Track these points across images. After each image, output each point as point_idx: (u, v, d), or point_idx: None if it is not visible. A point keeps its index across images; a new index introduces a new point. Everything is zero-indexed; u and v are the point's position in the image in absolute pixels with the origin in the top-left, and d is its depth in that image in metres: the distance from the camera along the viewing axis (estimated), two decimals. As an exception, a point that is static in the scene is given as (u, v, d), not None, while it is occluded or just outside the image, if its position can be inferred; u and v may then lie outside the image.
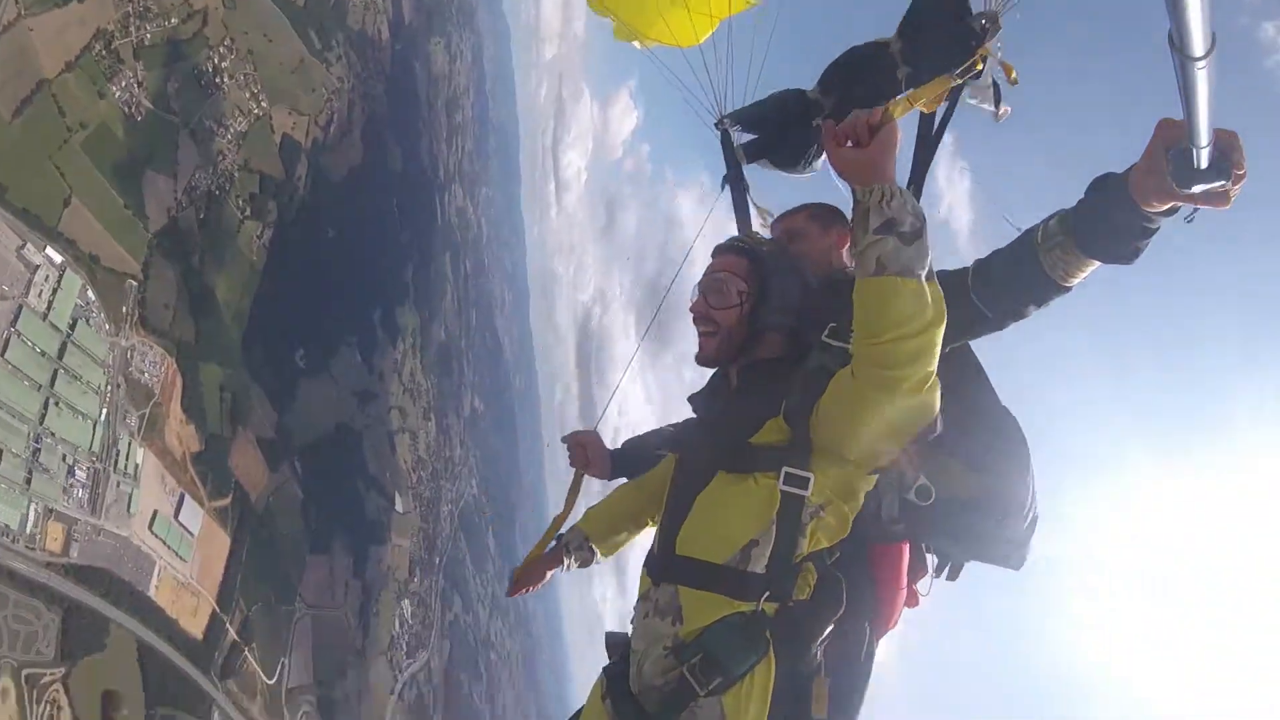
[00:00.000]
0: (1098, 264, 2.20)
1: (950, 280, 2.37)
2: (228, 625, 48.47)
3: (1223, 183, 1.76)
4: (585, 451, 3.78)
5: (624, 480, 3.74)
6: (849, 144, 2.12)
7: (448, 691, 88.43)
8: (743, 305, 2.60)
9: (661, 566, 2.54)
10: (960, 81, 2.88)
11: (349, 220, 72.16)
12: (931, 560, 2.83)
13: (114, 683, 37.41)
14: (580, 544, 3.49)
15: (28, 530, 33.48)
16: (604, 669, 2.74)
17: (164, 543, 42.96)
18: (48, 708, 32.40)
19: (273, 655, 53.71)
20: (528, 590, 3.65)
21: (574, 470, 3.82)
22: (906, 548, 2.61)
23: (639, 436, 3.98)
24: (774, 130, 3.80)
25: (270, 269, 57.17)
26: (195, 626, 45.58)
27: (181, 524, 44.83)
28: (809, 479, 2.27)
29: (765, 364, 2.64)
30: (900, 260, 1.96)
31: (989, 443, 2.59)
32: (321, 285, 66.05)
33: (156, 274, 44.14)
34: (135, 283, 42.42)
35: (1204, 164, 1.73)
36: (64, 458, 36.45)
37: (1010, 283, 2.35)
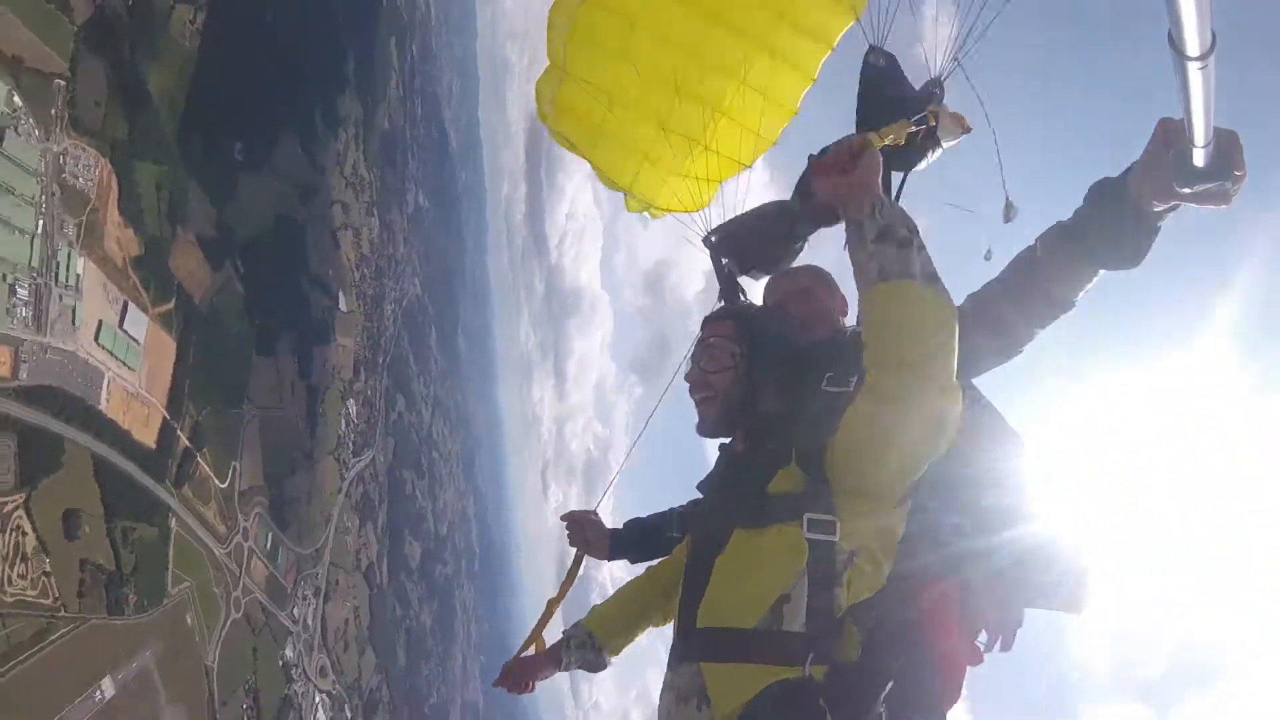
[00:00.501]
0: (1100, 274, 2.17)
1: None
2: (179, 432, 48.58)
3: (1223, 182, 1.77)
4: (584, 531, 3.66)
5: (624, 561, 3.69)
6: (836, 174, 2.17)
7: (391, 488, 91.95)
8: (737, 366, 2.52)
9: (682, 648, 2.31)
10: (915, 129, 2.96)
11: (286, 2, 66.53)
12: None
13: (73, 501, 37.69)
14: (584, 642, 3.27)
15: (-26, 356, 32.00)
16: None
17: (111, 354, 42.04)
18: (13, 535, 32.55)
19: (224, 459, 54.36)
20: (520, 691, 3.40)
21: (574, 551, 3.71)
22: (955, 590, 2.33)
23: (641, 518, 3.79)
24: (759, 241, 3.75)
25: (204, 57, 52.89)
26: (148, 436, 45.53)
27: (127, 332, 43.69)
28: (835, 523, 2.12)
29: (769, 419, 2.50)
30: (900, 264, 1.94)
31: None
32: (259, 73, 61.27)
33: (85, 70, 40.54)
34: (63, 82, 39.03)
35: (1204, 163, 1.73)
36: (3, 277, 34.47)
37: (1012, 308, 2.31)
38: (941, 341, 1.95)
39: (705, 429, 2.61)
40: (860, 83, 3.30)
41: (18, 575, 32.65)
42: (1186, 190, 1.83)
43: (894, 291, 1.94)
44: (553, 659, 3.30)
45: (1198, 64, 1.33)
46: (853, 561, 2.14)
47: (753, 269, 3.84)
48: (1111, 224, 2.03)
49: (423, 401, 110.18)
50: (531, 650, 3.42)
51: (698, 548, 2.46)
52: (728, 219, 3.84)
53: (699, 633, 2.24)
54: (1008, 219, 2.65)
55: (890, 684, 2.02)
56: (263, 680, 56.16)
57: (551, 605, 3.58)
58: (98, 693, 36.73)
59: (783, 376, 2.53)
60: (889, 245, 1.97)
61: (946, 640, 2.27)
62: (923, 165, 3.14)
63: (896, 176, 3.16)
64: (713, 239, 3.86)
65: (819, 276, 3.25)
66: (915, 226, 2.01)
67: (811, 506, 2.14)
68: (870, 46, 3.33)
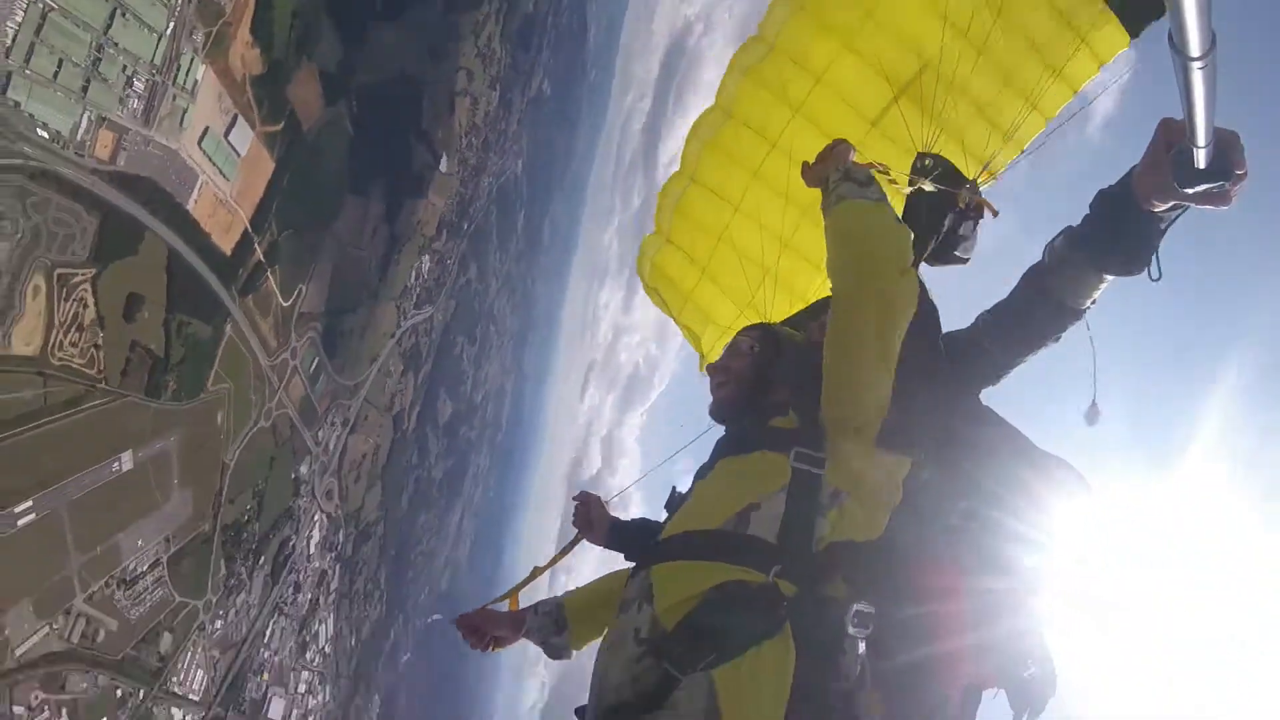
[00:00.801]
0: (1109, 280, 2.21)
1: (958, 337, 2.61)
2: (256, 245, 50.56)
3: (1223, 182, 1.77)
4: (589, 511, 3.40)
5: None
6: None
7: (442, 347, 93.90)
8: (754, 357, 2.67)
9: (638, 568, 2.25)
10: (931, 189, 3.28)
11: None
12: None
13: (140, 287, 39.79)
14: (550, 611, 3.08)
15: (78, 137, 33.99)
16: (575, 710, 2.29)
17: (210, 159, 43.71)
18: (74, 305, 34.77)
19: (292, 281, 56.30)
20: (480, 646, 3.20)
21: (575, 530, 3.52)
22: (958, 574, 2.28)
23: (648, 519, 3.44)
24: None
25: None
26: (226, 243, 47.53)
27: (230, 144, 45.40)
28: (823, 459, 2.15)
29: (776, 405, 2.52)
30: (857, 192, 2.40)
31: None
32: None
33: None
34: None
35: (1205, 164, 1.74)
36: (124, 68, 36.08)
37: (1024, 318, 2.38)
38: (893, 234, 2.34)
39: (717, 410, 2.68)
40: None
41: (69, 343, 34.79)
42: (1188, 191, 1.83)
43: (852, 206, 2.39)
44: (517, 620, 3.12)
45: (1198, 64, 1.34)
46: (840, 500, 2.11)
47: None
48: (1114, 227, 2.05)
49: (494, 275, 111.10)
50: (505, 607, 3.29)
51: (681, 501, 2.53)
52: None
53: (660, 545, 2.22)
54: (1091, 423, 2.52)
55: (871, 626, 1.94)
56: (272, 488, 58.85)
57: (536, 571, 3.48)
58: (116, 464, 39.08)
59: (797, 373, 2.55)
60: (848, 183, 2.45)
61: (942, 591, 2.19)
62: (963, 252, 3.30)
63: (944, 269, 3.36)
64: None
65: (810, 313, 3.37)
66: (871, 178, 2.48)
67: (800, 441, 2.20)
68: (919, 154, 3.61)
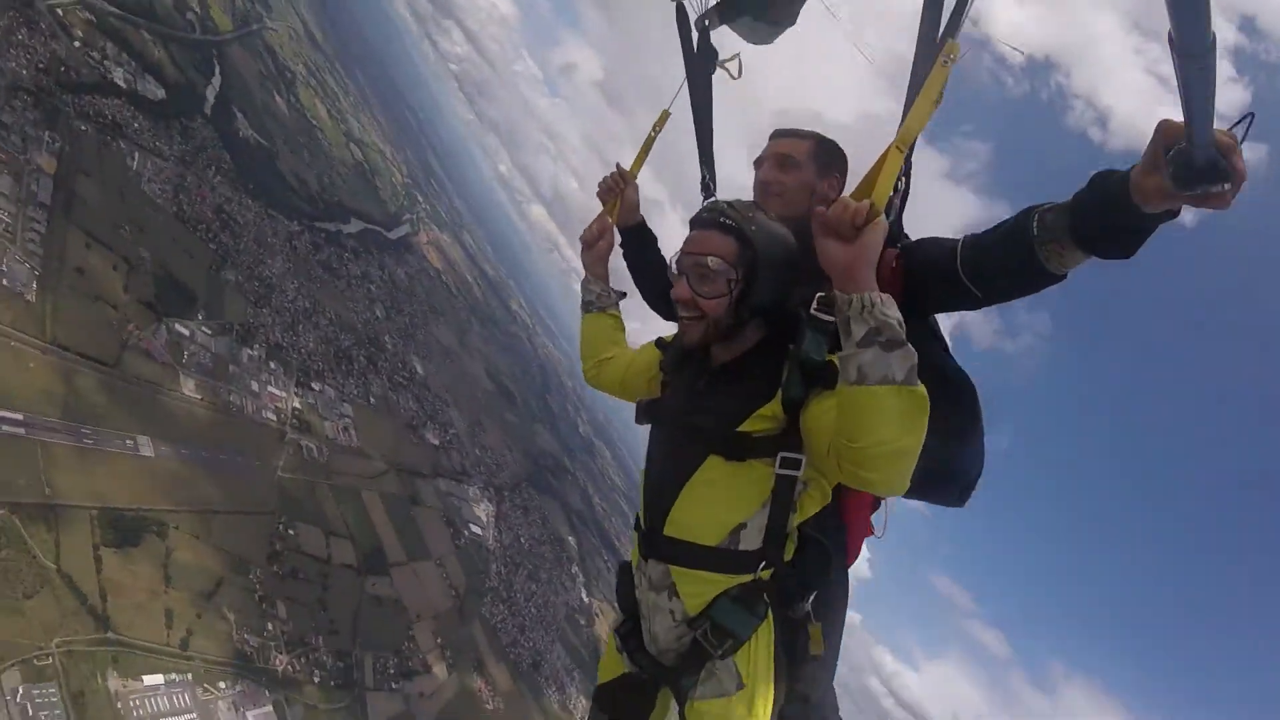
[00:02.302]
0: (1093, 256, 2.22)
1: (939, 254, 2.55)
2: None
3: (1222, 184, 1.73)
4: (622, 188, 3.77)
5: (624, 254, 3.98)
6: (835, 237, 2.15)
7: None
8: (731, 293, 2.53)
9: (649, 545, 2.73)
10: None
11: None
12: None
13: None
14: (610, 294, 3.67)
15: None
16: (614, 629, 3.09)
17: None
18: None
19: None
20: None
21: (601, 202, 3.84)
22: (870, 495, 2.88)
23: (656, 243, 4.00)
24: None
25: None
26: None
27: None
28: (801, 460, 2.42)
29: (751, 351, 2.64)
30: (880, 369, 2.00)
31: (948, 410, 2.62)
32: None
33: None
34: None
35: (1203, 165, 1.70)
36: None
37: (1003, 270, 2.37)
38: (904, 448, 2.05)
39: (689, 345, 2.70)
40: None
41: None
42: (1186, 192, 1.79)
43: (870, 398, 2.01)
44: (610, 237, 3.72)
45: (1197, 63, 1.34)
46: (805, 489, 2.50)
47: (745, 14, 3.87)
48: (1108, 222, 2.04)
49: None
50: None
51: (665, 453, 2.75)
52: None
53: (666, 539, 2.64)
54: None
55: (813, 588, 2.69)
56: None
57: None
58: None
59: (772, 307, 2.57)
60: (872, 348, 2.01)
61: (857, 517, 2.94)
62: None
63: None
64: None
65: (817, 153, 3.28)
66: (901, 325, 2.03)
67: (786, 445, 2.42)
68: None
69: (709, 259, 2.53)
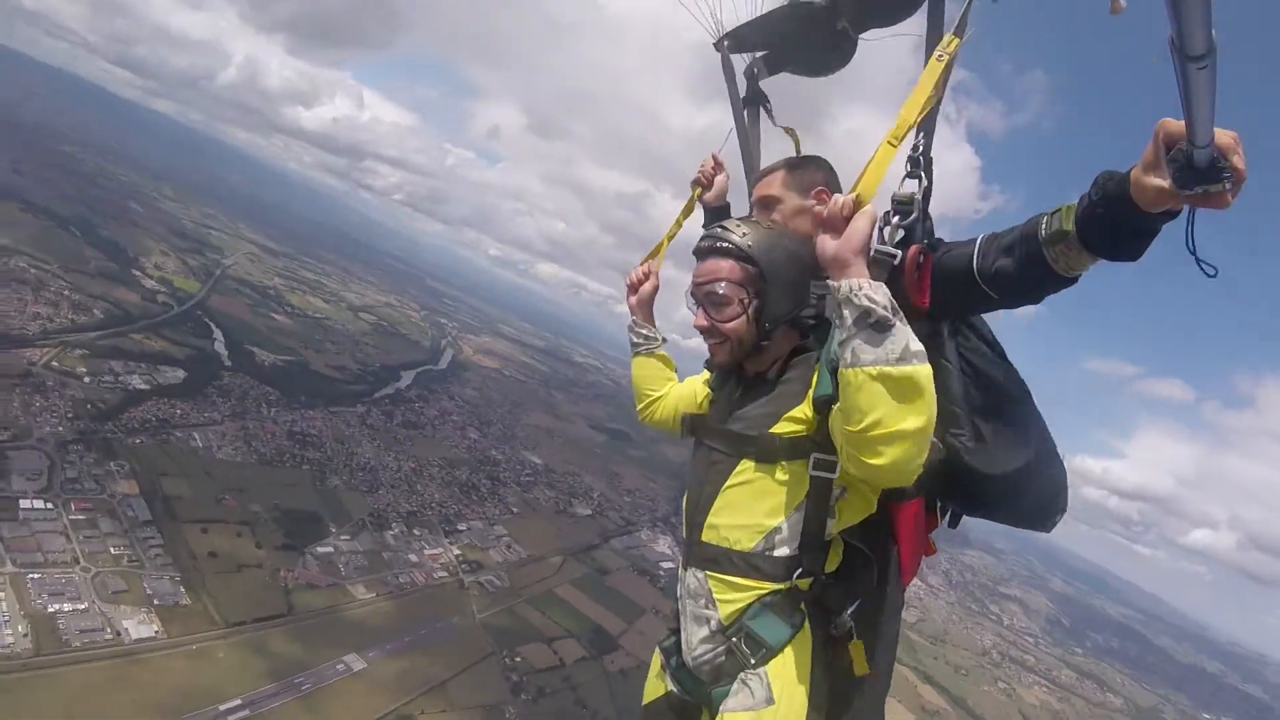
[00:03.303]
0: (1100, 258, 2.20)
1: (958, 256, 2.48)
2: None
3: (1222, 184, 1.72)
4: (715, 174, 3.82)
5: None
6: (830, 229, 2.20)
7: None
8: (747, 311, 2.58)
9: (687, 552, 2.71)
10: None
11: None
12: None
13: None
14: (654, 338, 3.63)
15: None
16: (659, 644, 3.00)
17: None
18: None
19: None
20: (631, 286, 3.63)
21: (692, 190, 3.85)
22: (922, 505, 2.73)
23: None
24: (788, 41, 3.93)
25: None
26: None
27: None
28: (835, 463, 2.36)
29: (784, 357, 2.67)
30: (872, 351, 2.00)
31: (1006, 420, 2.73)
32: None
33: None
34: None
35: (1203, 165, 1.70)
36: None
37: (1017, 273, 2.32)
38: (907, 426, 1.99)
39: (720, 366, 2.81)
40: None
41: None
42: (1186, 192, 1.78)
43: (864, 379, 2.00)
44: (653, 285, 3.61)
45: (1198, 65, 1.34)
46: (844, 495, 2.44)
47: (785, 69, 4.05)
48: (1111, 221, 2.01)
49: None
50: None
51: (703, 464, 2.70)
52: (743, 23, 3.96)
53: (702, 544, 2.61)
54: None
55: (858, 601, 2.53)
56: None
57: (674, 227, 3.80)
58: None
59: (793, 310, 2.62)
60: (864, 331, 2.01)
61: (910, 531, 2.70)
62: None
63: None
64: (726, 43, 4.03)
65: (789, 181, 3.23)
66: (890, 308, 2.02)
67: (818, 447, 2.39)
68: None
69: (718, 285, 2.58)
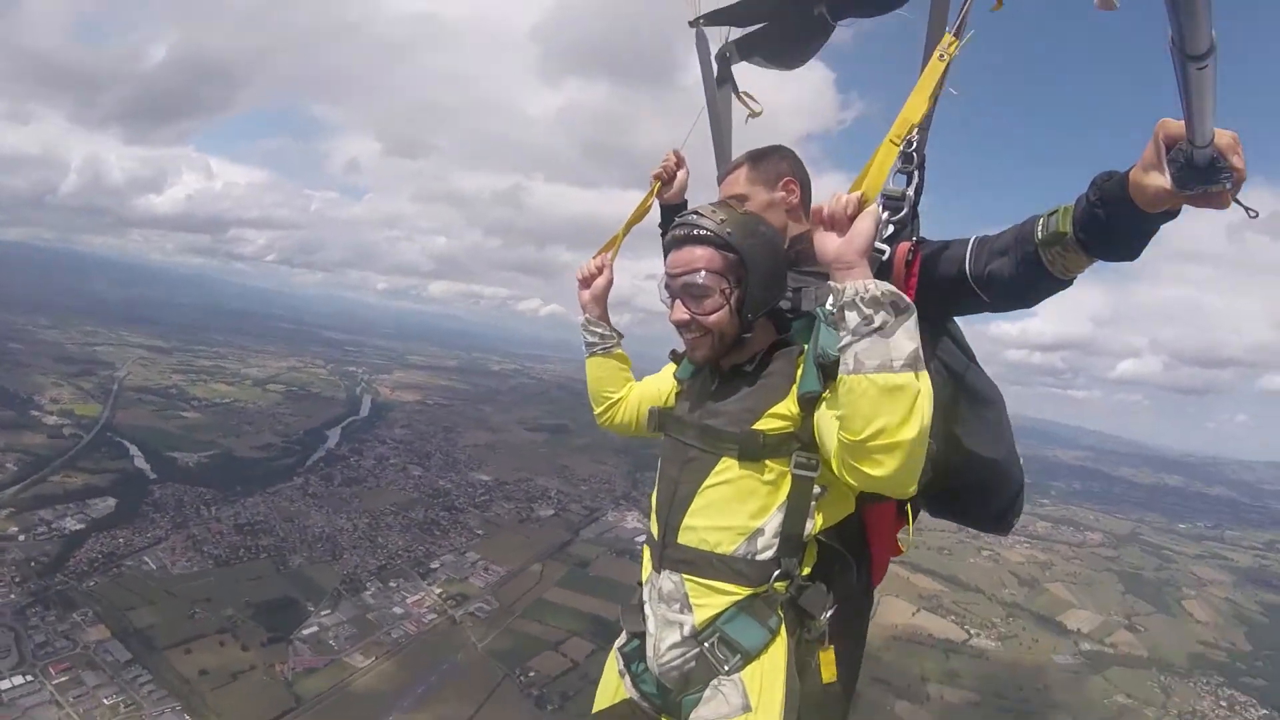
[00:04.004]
0: (1097, 259, 2.20)
1: (950, 257, 2.46)
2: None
3: (1222, 184, 1.71)
4: (678, 169, 3.59)
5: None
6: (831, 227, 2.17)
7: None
8: (729, 302, 2.47)
9: (660, 554, 2.60)
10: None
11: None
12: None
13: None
14: (607, 334, 3.38)
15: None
16: (618, 649, 2.83)
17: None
18: None
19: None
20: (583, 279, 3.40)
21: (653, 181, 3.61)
22: (894, 506, 2.72)
23: None
24: (763, 22, 3.91)
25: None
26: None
27: None
28: (817, 461, 2.35)
29: (763, 351, 2.59)
30: (876, 356, 1.96)
31: (982, 424, 2.71)
32: None
33: None
34: None
35: (1203, 165, 1.70)
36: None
37: (1011, 276, 2.31)
38: (909, 434, 1.96)
39: (701, 361, 2.66)
40: None
41: None
42: (1186, 192, 1.77)
43: (865, 385, 1.96)
44: (606, 280, 3.36)
45: (1198, 65, 1.34)
46: (823, 495, 2.41)
47: (759, 55, 3.97)
48: (1109, 222, 2.00)
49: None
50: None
51: (677, 463, 2.63)
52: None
53: (680, 547, 2.52)
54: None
55: (834, 605, 2.45)
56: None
57: (627, 225, 3.57)
58: None
59: (772, 299, 2.55)
60: (869, 335, 1.97)
61: (882, 533, 2.75)
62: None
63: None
64: (702, 21, 3.94)
65: (753, 177, 3.15)
66: (906, 307, 2.00)
67: (801, 445, 2.36)
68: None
69: (698, 275, 2.45)
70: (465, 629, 62.36)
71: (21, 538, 59.78)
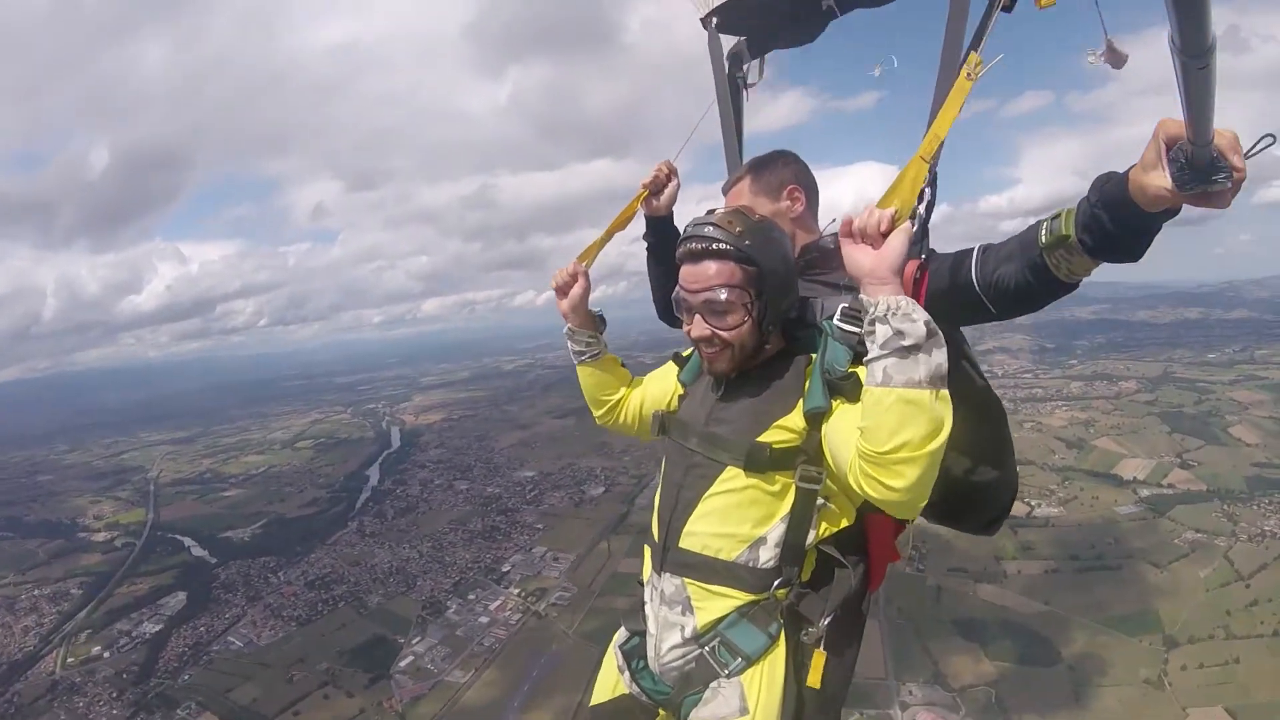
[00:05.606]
0: (1101, 261, 2.18)
1: (956, 268, 2.47)
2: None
3: (1222, 183, 1.71)
4: (665, 182, 3.43)
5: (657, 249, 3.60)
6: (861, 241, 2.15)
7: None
8: (752, 316, 2.47)
9: (661, 556, 2.62)
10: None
11: None
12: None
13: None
14: (592, 340, 3.30)
15: None
16: (618, 645, 2.86)
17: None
18: None
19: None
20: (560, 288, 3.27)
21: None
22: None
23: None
24: (774, 17, 4.02)
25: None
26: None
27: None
28: (822, 474, 2.37)
29: (769, 359, 2.61)
30: (905, 372, 1.95)
31: (975, 431, 2.64)
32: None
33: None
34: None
35: (1204, 164, 1.69)
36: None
37: (1017, 283, 2.31)
38: (932, 449, 1.96)
39: (720, 374, 2.62)
40: None
41: None
42: (1186, 191, 1.77)
43: (893, 400, 1.96)
44: (584, 288, 3.24)
45: (1198, 65, 1.34)
46: (826, 505, 2.44)
47: (774, 47, 4.09)
48: (1111, 223, 2.00)
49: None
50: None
51: (682, 466, 2.63)
52: None
53: (682, 551, 2.55)
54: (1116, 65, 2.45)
55: (832, 610, 2.47)
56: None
57: (608, 231, 3.43)
58: None
59: (789, 312, 2.59)
60: (897, 351, 1.96)
61: (880, 539, 2.72)
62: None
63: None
64: (714, 20, 3.99)
65: (756, 188, 3.14)
66: (933, 329, 1.98)
67: (806, 458, 2.37)
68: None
69: (720, 292, 2.43)
70: (552, 620, 62.97)
71: (107, 655, 60.49)
